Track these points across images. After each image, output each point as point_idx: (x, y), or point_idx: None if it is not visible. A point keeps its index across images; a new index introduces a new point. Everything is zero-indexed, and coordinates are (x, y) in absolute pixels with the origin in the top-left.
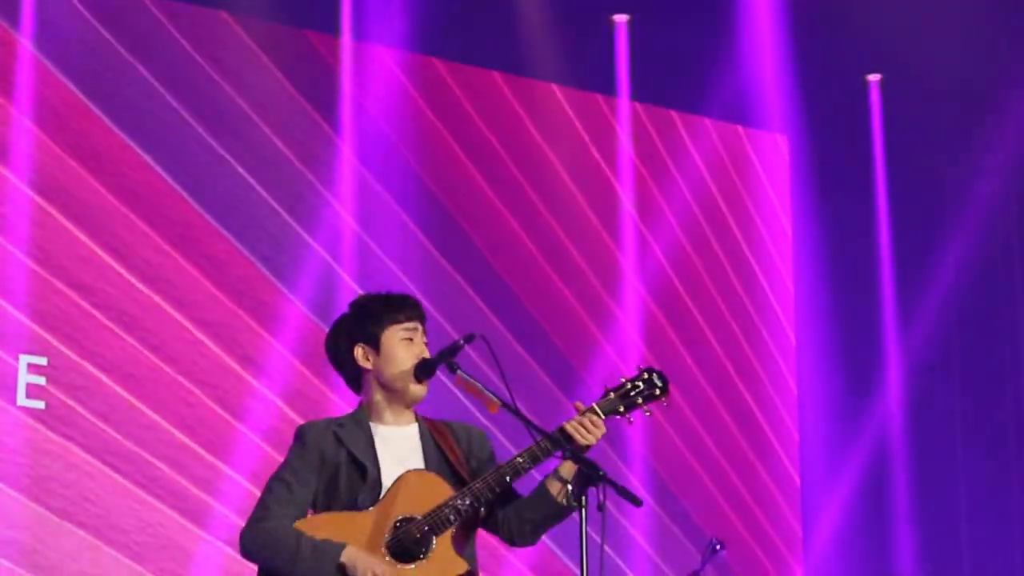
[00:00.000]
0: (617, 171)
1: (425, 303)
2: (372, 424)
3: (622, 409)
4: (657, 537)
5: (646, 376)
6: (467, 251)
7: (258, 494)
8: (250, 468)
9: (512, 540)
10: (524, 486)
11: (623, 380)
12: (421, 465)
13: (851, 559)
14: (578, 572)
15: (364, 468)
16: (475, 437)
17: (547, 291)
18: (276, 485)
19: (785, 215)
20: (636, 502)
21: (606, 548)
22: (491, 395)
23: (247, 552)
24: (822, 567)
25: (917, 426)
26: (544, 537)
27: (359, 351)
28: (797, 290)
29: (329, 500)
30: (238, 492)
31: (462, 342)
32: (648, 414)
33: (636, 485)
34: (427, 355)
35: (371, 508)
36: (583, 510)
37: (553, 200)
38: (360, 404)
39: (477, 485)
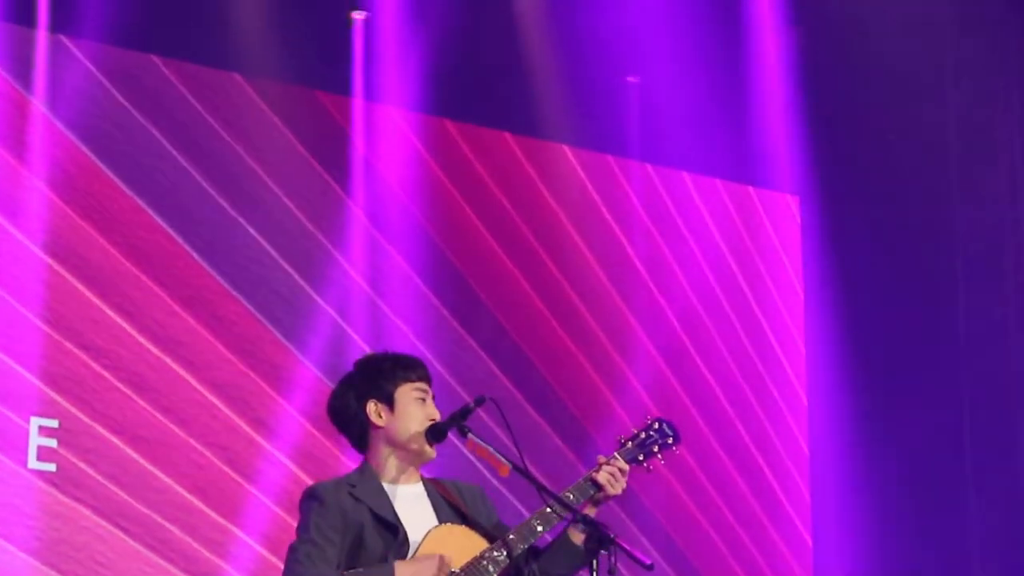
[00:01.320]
0: (628, 232)
1: (436, 364)
2: (383, 483)
3: (641, 458)
4: None
5: (656, 426)
6: (478, 312)
7: (269, 557)
8: (261, 530)
9: None
10: None
11: (635, 431)
12: (434, 520)
13: None
14: None
15: (391, 526)
16: (475, 493)
17: (559, 352)
18: (302, 547)
19: (796, 276)
20: (647, 567)
21: None
22: (502, 458)
23: None
24: None
25: (928, 489)
26: None
27: (372, 407)
28: (808, 351)
29: (355, 562)
30: (250, 555)
31: (473, 405)
32: (662, 462)
33: (646, 545)
34: (438, 417)
35: (404, 561)
36: (594, 574)
37: (564, 260)
38: (365, 463)
39: (511, 536)
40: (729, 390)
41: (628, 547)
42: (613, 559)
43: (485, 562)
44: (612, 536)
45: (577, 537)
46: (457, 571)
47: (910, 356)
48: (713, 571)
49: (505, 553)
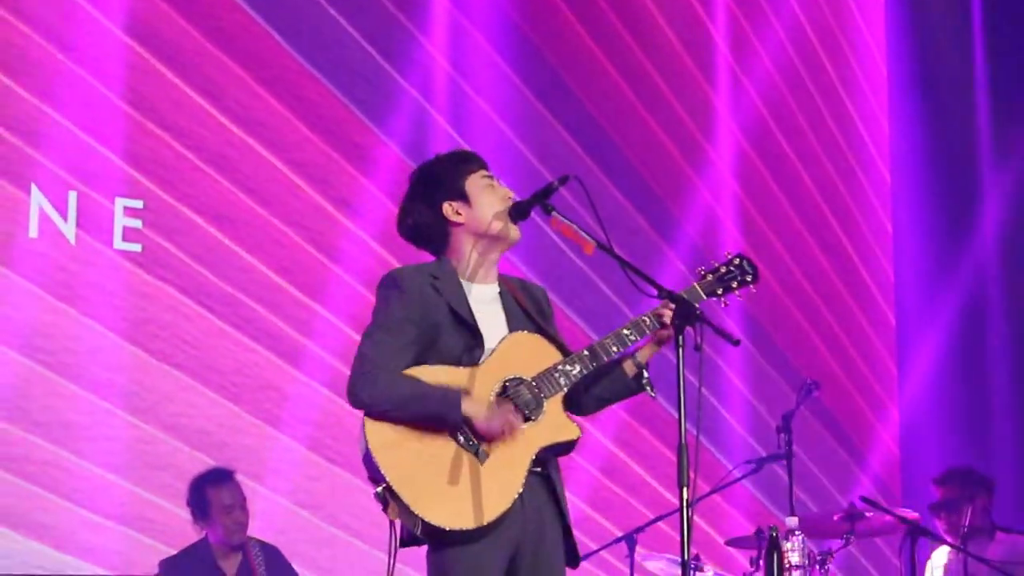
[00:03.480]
0: (711, 12)
1: (519, 145)
2: (463, 281)
3: (720, 292)
4: (753, 378)
5: (737, 262)
6: (561, 94)
7: (352, 335)
8: (345, 309)
9: (572, 408)
10: None
11: (715, 264)
12: (504, 325)
13: (946, 399)
14: (675, 413)
15: (468, 326)
16: (540, 296)
17: (642, 133)
18: (380, 336)
19: (880, 53)
20: (733, 342)
21: (703, 389)
22: (587, 236)
23: (363, 400)
24: (917, 407)
25: (1013, 264)
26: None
27: (448, 208)
28: (892, 129)
29: (428, 354)
30: (333, 333)
31: (556, 184)
32: (740, 298)
33: (731, 326)
34: (512, 195)
35: (478, 365)
36: (680, 350)
37: (647, 42)
38: (444, 257)
39: (585, 354)
40: (812, 167)
41: (714, 323)
42: (699, 336)
43: (557, 374)
44: (699, 311)
45: (631, 369)
46: (528, 379)
47: (993, 130)
48: (797, 349)
49: (578, 366)
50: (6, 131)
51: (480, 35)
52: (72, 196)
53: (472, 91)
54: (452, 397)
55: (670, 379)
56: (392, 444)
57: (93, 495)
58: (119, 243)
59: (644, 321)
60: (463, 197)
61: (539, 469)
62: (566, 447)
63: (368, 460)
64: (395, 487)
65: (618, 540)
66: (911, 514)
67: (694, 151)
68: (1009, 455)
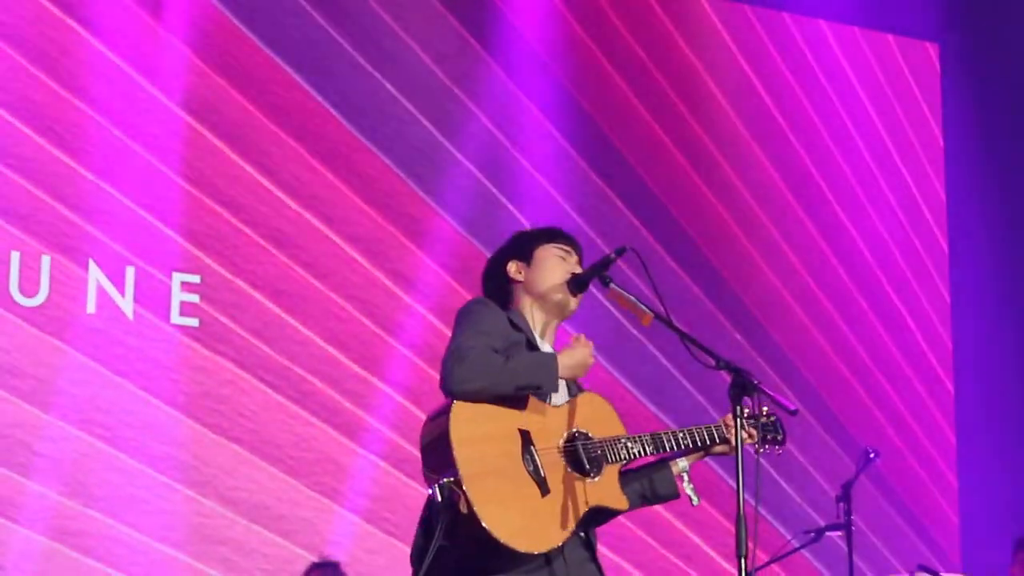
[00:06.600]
0: (766, 82)
1: (575, 218)
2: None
3: (753, 434)
4: (811, 447)
5: (773, 420)
6: (617, 165)
7: (409, 407)
8: (401, 382)
9: None
10: None
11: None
12: (564, 385)
13: (1005, 466)
14: (733, 482)
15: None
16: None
17: (698, 203)
18: (471, 332)
19: (936, 124)
20: (790, 412)
21: (761, 459)
22: (644, 307)
23: (455, 378)
24: (975, 474)
25: None
26: None
27: (512, 266)
28: (949, 199)
29: None
30: (390, 406)
31: (613, 255)
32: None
33: (789, 395)
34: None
35: (552, 405)
36: (738, 420)
37: (702, 113)
38: (513, 310)
39: (647, 438)
40: (869, 238)
41: (772, 393)
42: (757, 406)
43: (621, 447)
44: (756, 382)
45: (676, 467)
46: (595, 439)
47: None
48: (855, 420)
49: (639, 447)
50: (64, 207)
51: (535, 107)
52: (130, 271)
53: (527, 163)
54: (549, 359)
55: None
56: (471, 441)
57: (151, 569)
58: (176, 318)
59: (704, 431)
60: (528, 259)
61: (581, 532)
62: (610, 515)
63: (437, 450)
64: (465, 484)
65: None
66: None
67: (750, 221)
68: None
